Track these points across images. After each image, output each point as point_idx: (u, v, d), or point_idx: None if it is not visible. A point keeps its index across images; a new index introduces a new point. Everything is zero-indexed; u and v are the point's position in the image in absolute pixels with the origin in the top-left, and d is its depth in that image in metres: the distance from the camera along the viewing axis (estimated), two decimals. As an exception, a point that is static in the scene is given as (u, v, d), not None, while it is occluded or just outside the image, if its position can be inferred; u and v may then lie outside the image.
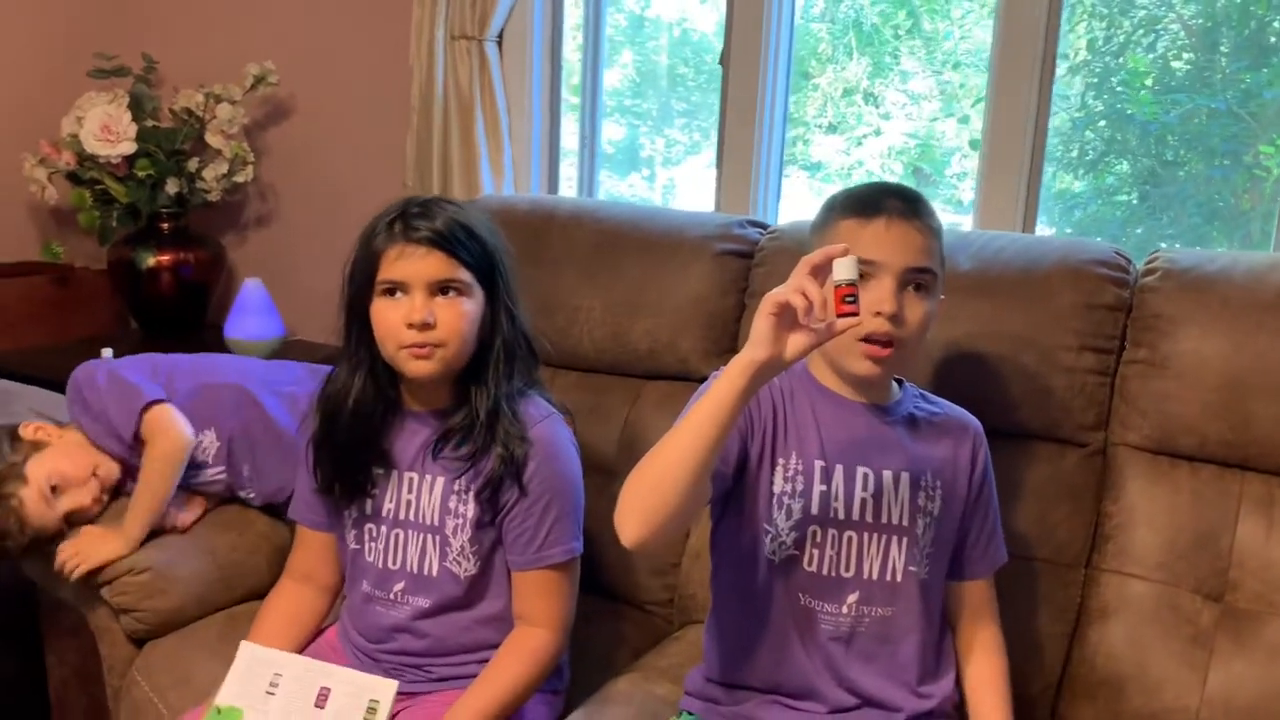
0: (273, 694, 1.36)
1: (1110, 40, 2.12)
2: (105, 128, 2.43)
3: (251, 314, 2.46)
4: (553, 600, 1.40)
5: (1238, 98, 1.99)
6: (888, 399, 1.33)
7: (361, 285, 1.36)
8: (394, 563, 1.44)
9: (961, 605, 1.38)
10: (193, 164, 2.56)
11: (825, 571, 1.29)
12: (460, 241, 1.34)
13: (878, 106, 2.36)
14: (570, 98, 2.51)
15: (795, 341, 1.08)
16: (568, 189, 2.54)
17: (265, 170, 2.72)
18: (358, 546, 1.47)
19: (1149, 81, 2.10)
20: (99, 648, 1.72)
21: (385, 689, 1.33)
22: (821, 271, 1.08)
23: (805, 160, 2.44)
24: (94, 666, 1.74)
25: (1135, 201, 2.16)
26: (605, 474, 1.73)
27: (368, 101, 2.57)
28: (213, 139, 2.55)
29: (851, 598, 1.29)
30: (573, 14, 2.46)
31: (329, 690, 1.34)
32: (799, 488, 1.28)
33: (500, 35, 2.34)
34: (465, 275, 1.35)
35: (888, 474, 1.29)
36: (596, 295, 1.91)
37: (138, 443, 1.71)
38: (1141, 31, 2.10)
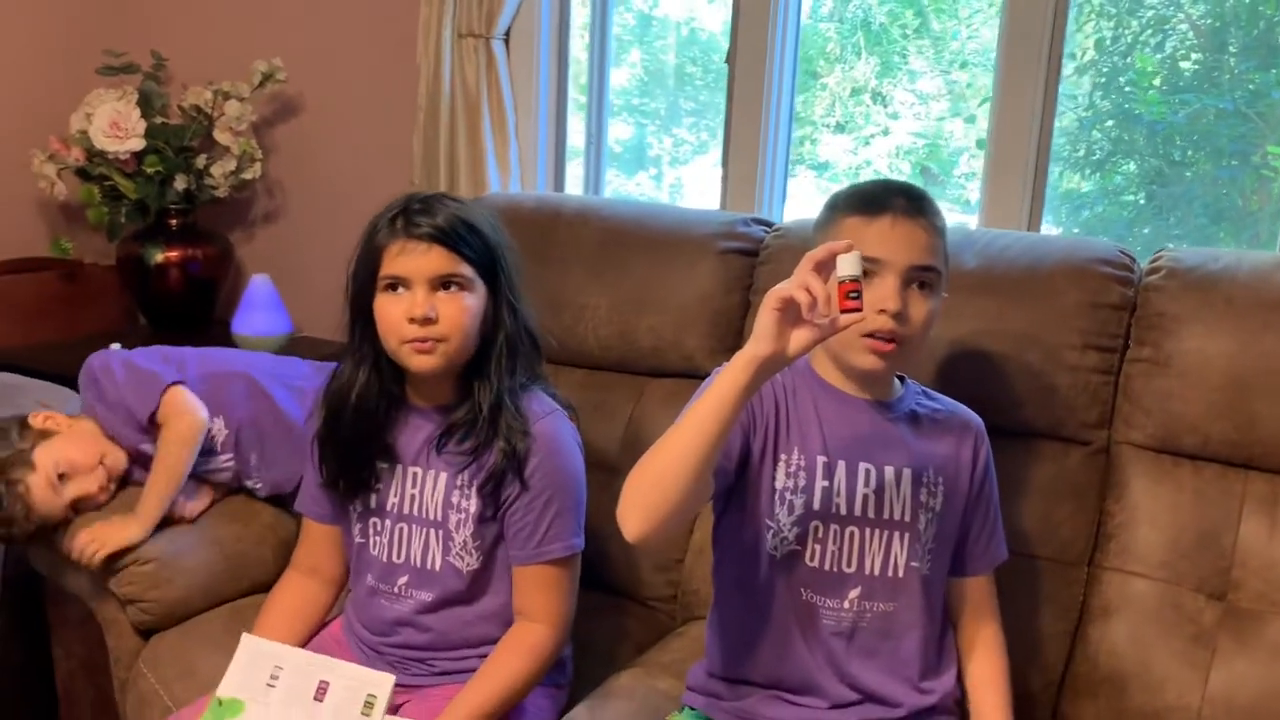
0: (273, 686, 1.37)
1: (1118, 40, 2.12)
2: (114, 124, 2.44)
3: (259, 310, 2.47)
4: (553, 596, 1.41)
5: (1246, 98, 1.98)
6: (890, 395, 1.34)
7: (364, 281, 1.37)
8: (398, 557, 1.45)
9: (963, 602, 1.38)
10: (201, 160, 2.57)
11: (827, 567, 1.29)
12: (461, 237, 1.34)
13: (885, 106, 2.36)
14: (578, 96, 2.52)
15: (799, 337, 1.08)
16: (574, 188, 2.54)
17: (273, 167, 2.73)
18: (362, 540, 1.48)
19: (1157, 81, 2.09)
20: (106, 639, 1.73)
21: (383, 683, 1.34)
22: (825, 267, 1.08)
23: (813, 160, 2.44)
24: (101, 658, 1.75)
25: (1142, 201, 2.16)
26: (609, 471, 1.74)
27: (375, 99, 2.58)
28: (221, 136, 2.56)
29: (853, 593, 1.30)
30: (580, 13, 2.47)
31: (328, 684, 1.35)
32: (801, 483, 1.28)
33: (507, 33, 2.34)
34: (467, 270, 1.35)
35: (890, 470, 1.30)
36: (602, 293, 1.92)
37: (153, 426, 1.72)
38: (1150, 31, 2.10)
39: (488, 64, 2.31)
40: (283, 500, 1.85)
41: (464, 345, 1.37)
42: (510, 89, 2.35)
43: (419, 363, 1.36)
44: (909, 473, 1.30)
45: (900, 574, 1.30)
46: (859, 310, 1.08)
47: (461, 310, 1.35)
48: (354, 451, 1.44)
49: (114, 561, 1.65)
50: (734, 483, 1.29)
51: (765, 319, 1.07)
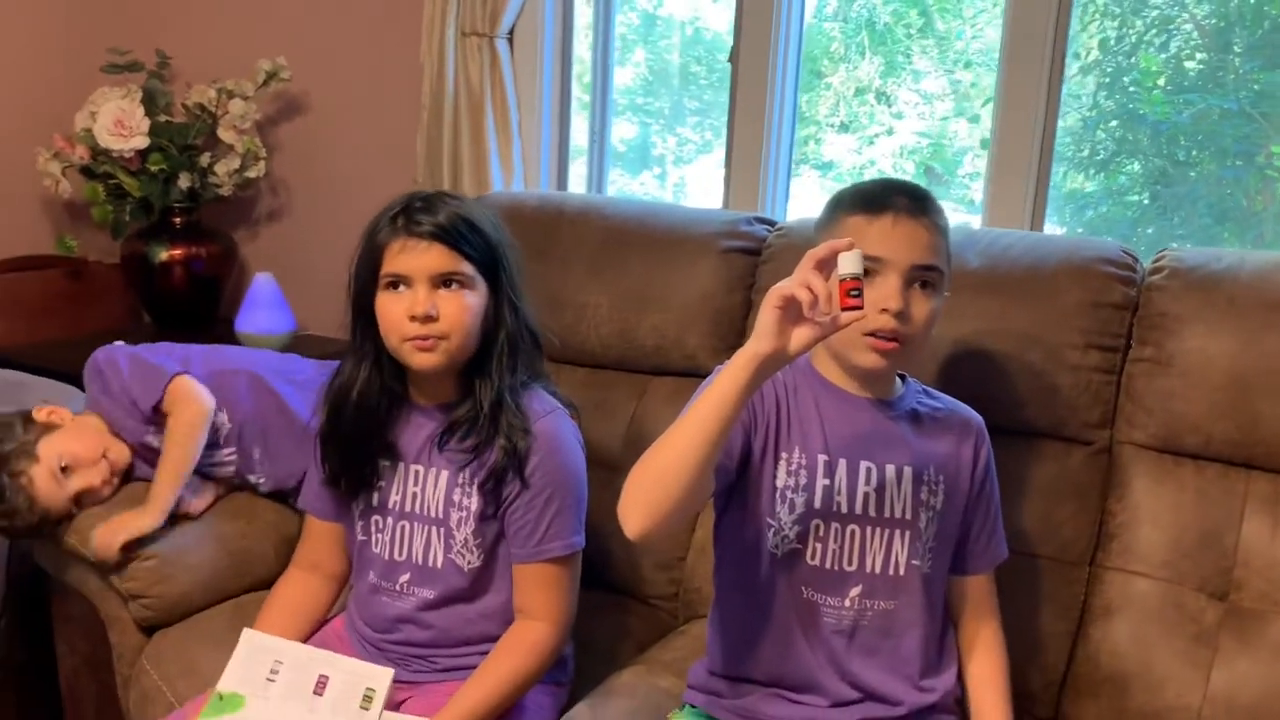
0: (273, 681, 1.37)
1: (1122, 40, 2.12)
2: (118, 122, 2.44)
3: (263, 308, 2.48)
4: (553, 594, 1.41)
5: (1250, 98, 1.98)
6: (891, 394, 1.34)
7: (366, 279, 1.38)
8: (400, 554, 1.45)
9: (963, 600, 1.39)
10: (205, 159, 2.57)
11: (828, 565, 1.29)
12: (462, 235, 1.35)
13: (890, 106, 2.36)
14: (582, 95, 2.52)
15: (800, 335, 1.08)
16: (578, 187, 2.54)
17: (277, 165, 2.74)
18: (364, 538, 1.49)
19: (1161, 81, 2.09)
20: (109, 636, 1.74)
21: (381, 678, 1.35)
22: (826, 265, 1.08)
23: (817, 159, 2.44)
24: (104, 655, 1.75)
25: (1146, 202, 2.16)
26: (611, 469, 1.73)
27: (379, 97, 2.58)
28: (225, 134, 2.56)
29: (854, 591, 1.30)
30: (584, 12, 2.47)
31: (327, 678, 1.36)
32: (802, 481, 1.28)
33: (511, 32, 2.35)
34: (467, 268, 1.36)
35: (890, 469, 1.30)
36: (604, 291, 1.92)
37: (158, 417, 1.73)
38: (1154, 31, 2.10)
39: (491, 63, 2.31)
40: (285, 497, 1.85)
41: (465, 343, 1.37)
42: (514, 88, 2.35)
43: (420, 360, 1.36)
44: (910, 471, 1.30)
45: (901, 572, 1.30)
46: (860, 308, 1.08)
47: (462, 308, 1.35)
48: (355, 449, 1.45)
49: (131, 551, 1.65)
50: (735, 481, 1.29)
51: (766, 317, 1.07)
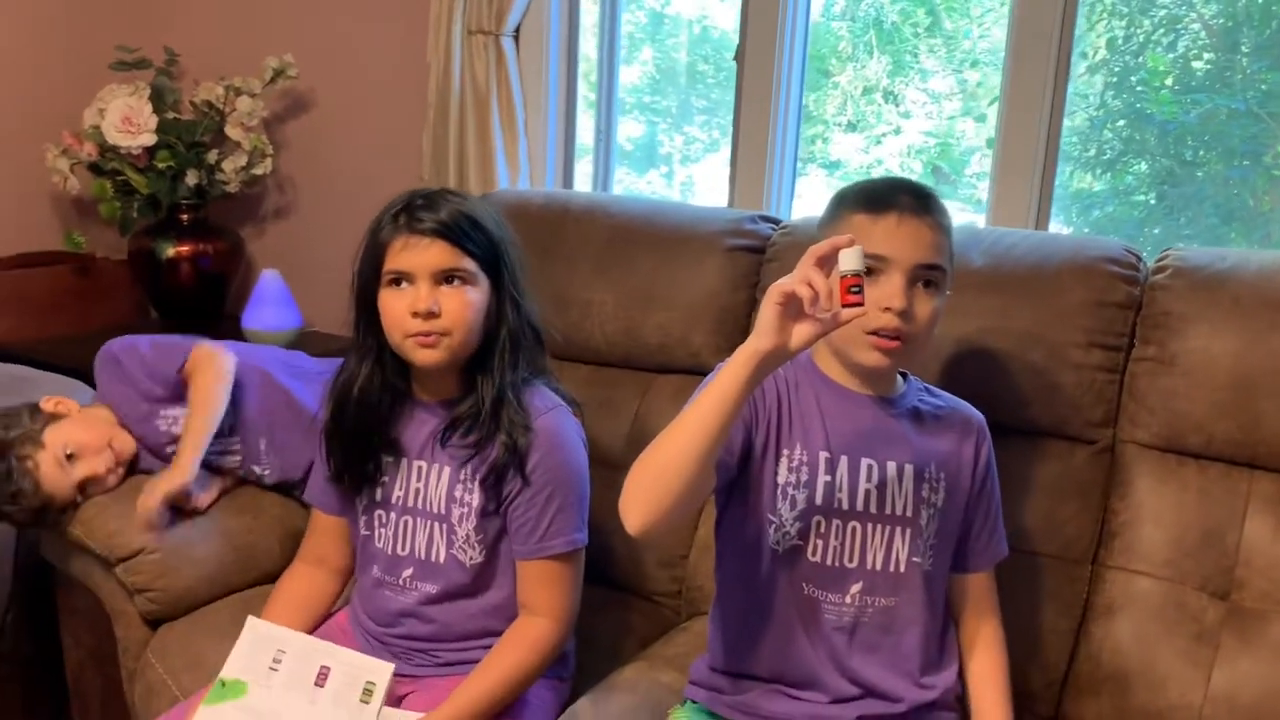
0: (275, 670, 1.38)
1: (1130, 39, 2.12)
2: (126, 119, 2.45)
3: (269, 305, 2.49)
4: (555, 590, 1.41)
5: (1258, 98, 1.97)
6: (892, 392, 1.34)
7: (369, 276, 1.39)
8: (403, 549, 1.46)
9: (964, 598, 1.39)
10: (212, 156, 2.58)
11: (829, 562, 1.29)
12: (464, 231, 1.36)
13: (897, 105, 2.36)
14: (589, 94, 2.52)
15: (800, 331, 1.08)
16: (584, 185, 2.55)
17: (284, 163, 2.75)
18: (368, 533, 1.49)
19: (1169, 81, 2.09)
20: (114, 630, 1.74)
21: (382, 671, 1.35)
22: (827, 262, 1.08)
23: (824, 158, 2.44)
24: (109, 649, 1.76)
25: (1153, 202, 2.16)
26: (614, 467, 1.71)
27: (385, 95, 2.59)
28: (232, 131, 2.57)
29: (855, 588, 1.30)
30: (590, 10, 2.47)
31: (329, 669, 1.37)
32: (803, 478, 1.28)
33: (517, 30, 2.35)
34: (470, 265, 1.36)
35: (892, 466, 1.30)
36: (609, 289, 1.92)
37: (179, 387, 1.77)
38: (1162, 31, 2.10)
39: (497, 61, 2.32)
40: (290, 490, 1.87)
41: (467, 339, 1.38)
42: (520, 86, 2.35)
43: (423, 357, 1.37)
44: (911, 468, 1.30)
45: (902, 569, 1.30)
46: (861, 305, 1.08)
47: (465, 304, 1.36)
48: (358, 445, 1.46)
49: (161, 507, 1.67)
50: (736, 477, 1.30)
51: (767, 313, 1.07)
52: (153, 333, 1.89)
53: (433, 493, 1.44)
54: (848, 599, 1.30)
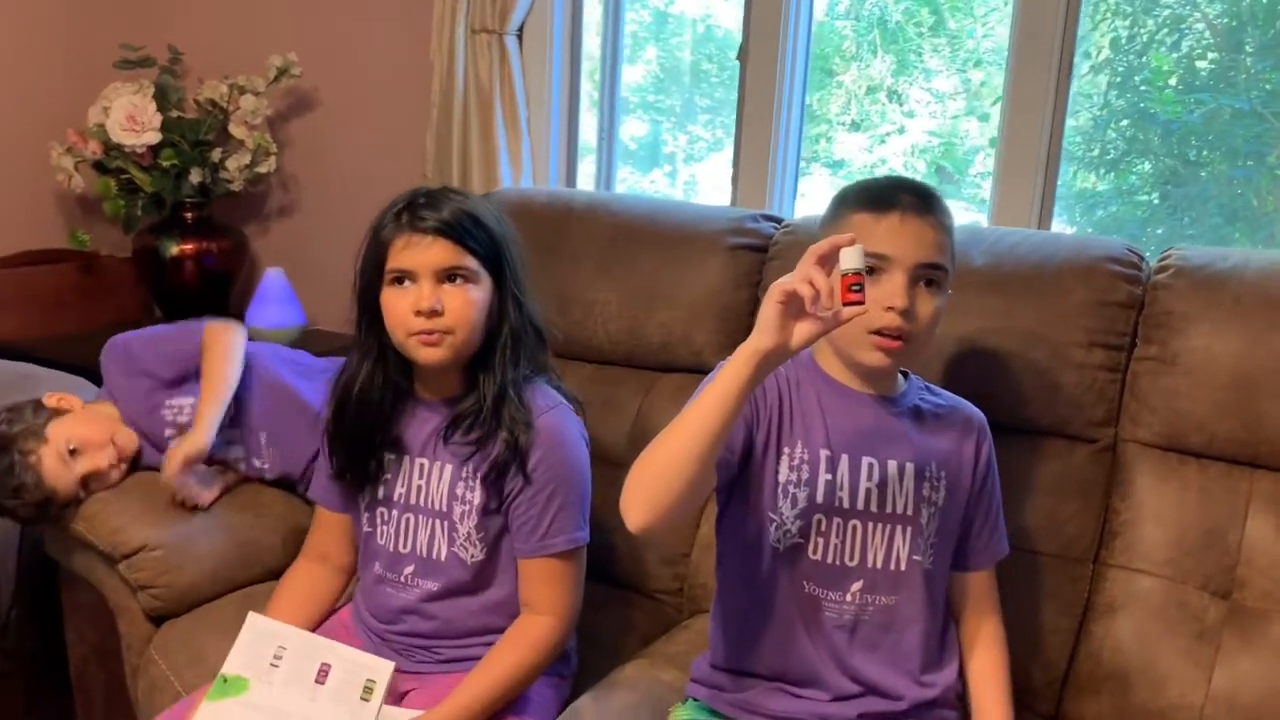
0: (276, 666, 1.38)
1: (1134, 39, 2.11)
2: (131, 118, 2.46)
3: (273, 303, 2.50)
4: (557, 588, 1.41)
5: (1262, 98, 1.97)
6: (893, 390, 1.34)
7: (371, 275, 1.39)
8: (404, 546, 1.46)
9: (964, 596, 1.39)
10: (216, 154, 2.59)
11: (830, 560, 1.29)
12: (466, 230, 1.36)
13: (901, 104, 2.36)
14: (593, 92, 2.53)
15: (801, 330, 1.08)
16: (587, 184, 2.55)
17: (287, 161, 2.75)
18: (370, 529, 1.50)
19: (1173, 81, 2.08)
20: (118, 626, 1.75)
21: (382, 669, 1.36)
22: (828, 261, 1.08)
23: (828, 158, 2.44)
24: (113, 645, 1.77)
25: (1156, 201, 2.15)
26: (617, 465, 1.70)
27: (389, 94, 2.59)
28: (236, 130, 2.57)
29: (855, 586, 1.30)
30: (594, 9, 2.47)
31: (329, 666, 1.37)
32: (804, 477, 1.29)
33: (521, 29, 2.35)
34: (472, 263, 1.37)
35: (893, 464, 1.30)
36: (612, 288, 1.92)
37: (195, 363, 1.80)
38: (1166, 30, 2.09)
39: (501, 60, 2.32)
40: (293, 486, 1.87)
41: (470, 337, 1.38)
42: (523, 85, 2.36)
43: (426, 355, 1.37)
44: (912, 467, 1.30)
45: (902, 567, 1.30)
46: (861, 303, 1.08)
47: (467, 302, 1.36)
48: (359, 444, 1.46)
49: (189, 465, 1.71)
50: (737, 475, 1.30)
51: (768, 312, 1.07)
52: (158, 331, 1.91)
53: (434, 490, 1.44)
54: (848, 597, 1.30)
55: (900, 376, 1.36)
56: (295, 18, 2.69)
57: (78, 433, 1.72)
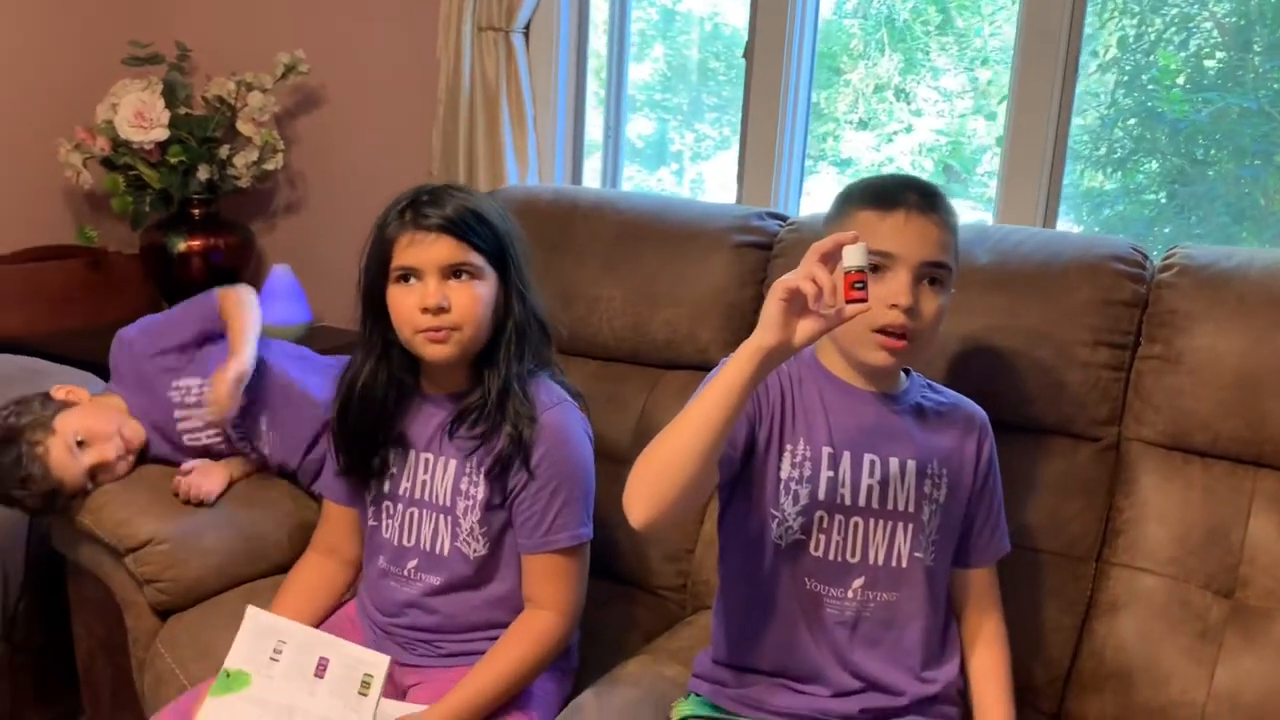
0: (276, 661, 1.38)
1: (1141, 37, 2.11)
2: (139, 114, 2.47)
3: (280, 299, 2.50)
4: (560, 584, 1.42)
5: (1270, 97, 1.97)
6: (896, 388, 1.34)
7: (376, 273, 1.40)
8: (408, 540, 1.47)
9: (966, 593, 1.39)
10: (224, 151, 2.60)
11: (831, 557, 1.30)
12: (470, 226, 1.36)
13: (909, 103, 2.35)
14: (599, 90, 2.53)
15: (804, 327, 1.09)
16: (593, 182, 2.55)
17: (295, 158, 2.76)
18: (375, 523, 1.51)
19: (1180, 79, 2.08)
20: (124, 620, 1.76)
21: (378, 664, 1.35)
22: (831, 258, 1.08)
23: (835, 156, 2.44)
24: (119, 638, 1.77)
25: (1164, 200, 2.15)
26: (621, 462, 1.72)
27: (396, 91, 2.60)
28: (244, 127, 2.58)
29: (857, 583, 1.30)
30: (601, 7, 2.47)
31: (327, 660, 1.37)
32: (806, 474, 1.29)
33: (527, 27, 2.36)
34: (476, 259, 1.37)
35: (894, 462, 1.30)
36: (617, 285, 1.93)
37: (213, 321, 1.85)
38: (1174, 29, 2.09)
39: (507, 57, 2.33)
40: (294, 477, 1.88)
41: (476, 334, 1.39)
42: (529, 82, 2.36)
43: (433, 352, 1.38)
44: (913, 464, 1.31)
45: (904, 564, 1.31)
46: (864, 301, 1.08)
47: (473, 299, 1.37)
48: (363, 441, 1.47)
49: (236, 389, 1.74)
50: (739, 472, 1.30)
51: (771, 309, 1.08)
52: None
53: (439, 485, 1.45)
54: (850, 594, 1.30)
55: (902, 374, 1.36)
56: (303, 15, 2.70)
57: (85, 424, 1.73)
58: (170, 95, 2.54)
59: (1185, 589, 1.50)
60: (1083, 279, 1.59)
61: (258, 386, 1.84)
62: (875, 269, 1.21)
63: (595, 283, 1.94)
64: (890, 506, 1.30)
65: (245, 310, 1.83)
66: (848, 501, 1.29)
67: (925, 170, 2.33)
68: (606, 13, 2.48)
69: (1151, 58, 2.11)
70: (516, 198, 2.06)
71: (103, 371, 1.92)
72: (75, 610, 1.87)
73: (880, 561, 1.30)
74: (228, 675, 1.39)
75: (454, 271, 1.36)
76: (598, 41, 2.49)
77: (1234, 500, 1.50)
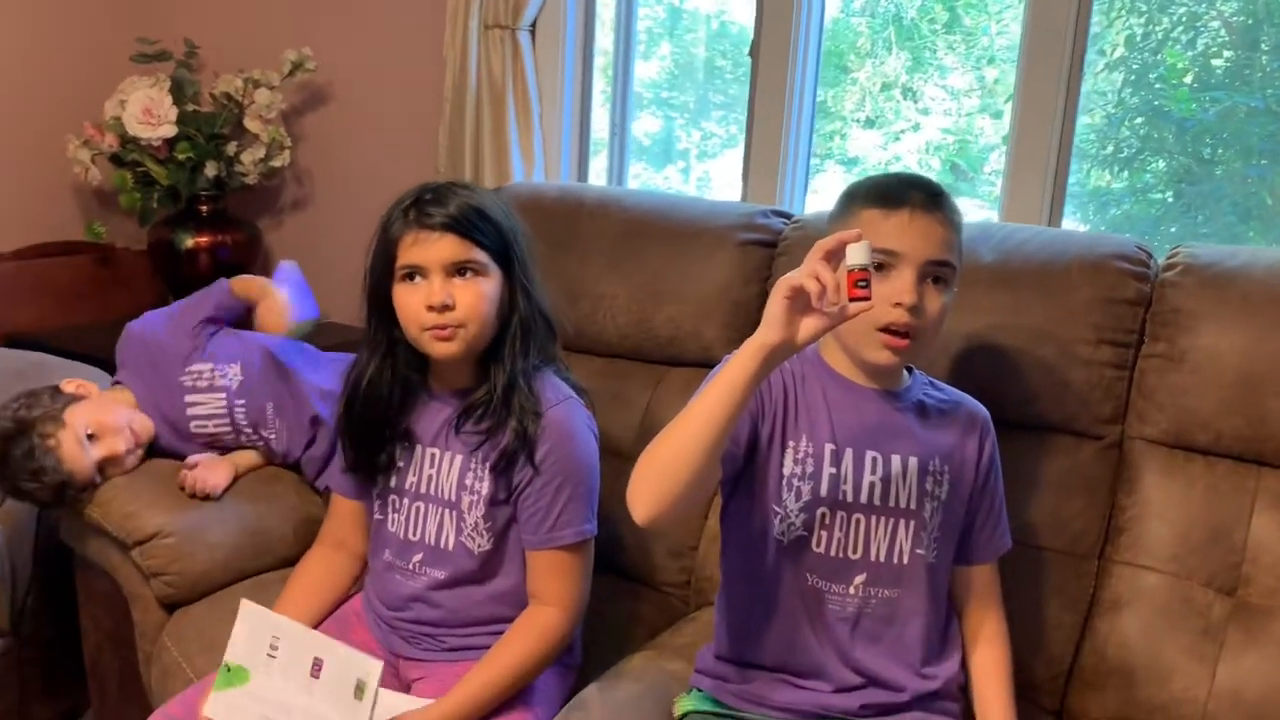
0: (273, 658, 1.38)
1: (1149, 36, 2.11)
2: (147, 111, 2.48)
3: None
4: (564, 580, 1.42)
5: (1277, 96, 1.96)
6: (898, 385, 1.34)
7: (381, 271, 1.40)
8: (414, 534, 1.48)
9: (967, 590, 1.39)
10: (231, 148, 2.60)
11: (833, 553, 1.30)
12: (474, 224, 1.37)
13: (916, 101, 2.35)
14: (606, 88, 2.53)
15: (808, 325, 1.09)
16: (599, 180, 2.55)
17: (302, 155, 2.77)
18: (381, 517, 1.51)
19: (1188, 79, 2.08)
20: (131, 613, 1.77)
21: (371, 669, 1.34)
22: (835, 256, 1.08)
23: (842, 155, 2.44)
24: (127, 632, 1.78)
25: (1170, 200, 2.15)
26: (624, 458, 1.74)
27: (402, 89, 2.60)
28: (251, 124, 2.59)
29: (859, 579, 1.31)
30: (607, 5, 2.48)
31: (322, 661, 1.37)
32: (809, 470, 1.29)
33: (533, 25, 2.36)
34: (481, 256, 1.38)
35: (896, 459, 1.30)
36: (622, 282, 1.93)
37: (227, 301, 1.91)
38: (1181, 28, 2.09)
39: (513, 55, 2.33)
40: (298, 468, 1.90)
41: (482, 331, 1.39)
42: (535, 80, 2.36)
43: (440, 349, 1.38)
44: (915, 462, 1.31)
45: (905, 561, 1.31)
46: (868, 299, 1.08)
47: (478, 296, 1.37)
48: (369, 438, 1.48)
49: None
50: (742, 468, 1.31)
51: (775, 306, 1.08)
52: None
53: (444, 479, 1.45)
54: (851, 590, 1.31)
55: (905, 372, 1.36)
56: (310, 13, 2.71)
57: (95, 418, 1.74)
58: (178, 92, 2.54)
59: (1187, 587, 1.50)
60: (1086, 278, 1.59)
61: (263, 374, 1.85)
62: (879, 267, 1.22)
63: (600, 280, 1.94)
64: (892, 503, 1.30)
65: (259, 278, 1.96)
66: (850, 498, 1.30)
67: (932, 169, 2.33)
68: (613, 10, 2.48)
69: (1159, 57, 2.10)
70: (522, 195, 2.07)
71: (111, 367, 1.93)
72: (83, 604, 1.88)
73: (882, 558, 1.31)
74: (228, 670, 1.39)
75: (458, 269, 1.37)
76: (604, 39, 2.50)
77: (1236, 499, 1.50)
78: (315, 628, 1.51)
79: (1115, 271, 1.59)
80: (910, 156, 2.36)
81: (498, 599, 1.46)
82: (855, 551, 1.30)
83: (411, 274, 1.37)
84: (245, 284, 1.94)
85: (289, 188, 2.84)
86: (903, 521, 1.31)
